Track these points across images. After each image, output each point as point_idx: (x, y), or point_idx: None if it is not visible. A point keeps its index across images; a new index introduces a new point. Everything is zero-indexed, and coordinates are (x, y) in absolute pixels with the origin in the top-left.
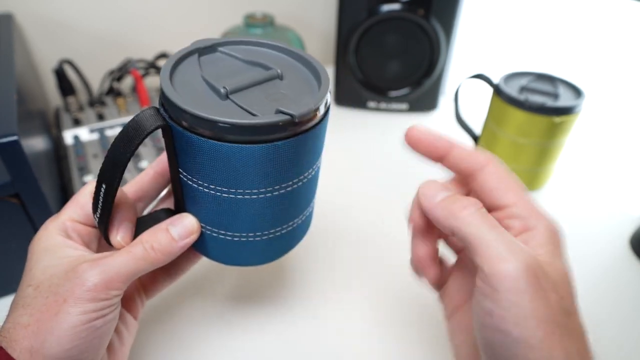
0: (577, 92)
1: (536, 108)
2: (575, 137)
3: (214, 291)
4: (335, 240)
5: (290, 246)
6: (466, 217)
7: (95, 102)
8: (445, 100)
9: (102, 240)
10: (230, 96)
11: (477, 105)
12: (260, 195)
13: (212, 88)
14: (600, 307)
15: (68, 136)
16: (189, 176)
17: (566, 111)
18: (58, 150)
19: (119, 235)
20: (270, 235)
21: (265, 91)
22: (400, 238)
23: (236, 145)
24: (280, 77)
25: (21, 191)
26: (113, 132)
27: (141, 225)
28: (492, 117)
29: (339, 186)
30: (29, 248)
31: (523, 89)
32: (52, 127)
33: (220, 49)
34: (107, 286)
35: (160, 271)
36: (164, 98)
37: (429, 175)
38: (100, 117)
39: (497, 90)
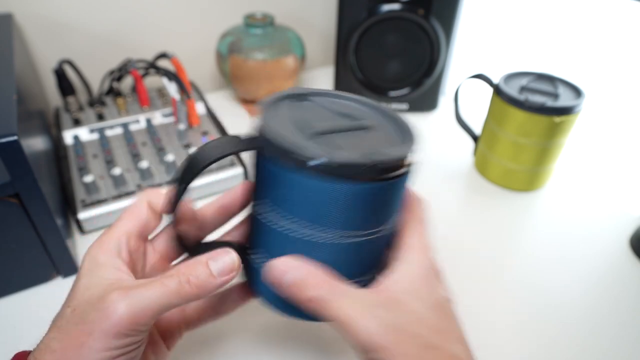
0: (577, 92)
1: (536, 108)
2: (575, 137)
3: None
4: None
5: None
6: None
7: (95, 102)
8: (445, 100)
9: (148, 258)
10: (315, 138)
11: (477, 105)
12: (328, 241)
13: (300, 129)
14: (600, 307)
15: (68, 136)
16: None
17: (566, 111)
18: (58, 150)
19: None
20: None
21: (349, 139)
22: None
23: (317, 181)
24: (367, 128)
25: (21, 191)
26: (113, 132)
27: (199, 250)
28: (492, 117)
29: None
30: (84, 256)
31: (523, 89)
32: (51, 127)
33: (312, 98)
34: (134, 320)
35: (207, 309)
36: (259, 130)
37: (427, 174)
38: (100, 117)
39: (497, 90)
